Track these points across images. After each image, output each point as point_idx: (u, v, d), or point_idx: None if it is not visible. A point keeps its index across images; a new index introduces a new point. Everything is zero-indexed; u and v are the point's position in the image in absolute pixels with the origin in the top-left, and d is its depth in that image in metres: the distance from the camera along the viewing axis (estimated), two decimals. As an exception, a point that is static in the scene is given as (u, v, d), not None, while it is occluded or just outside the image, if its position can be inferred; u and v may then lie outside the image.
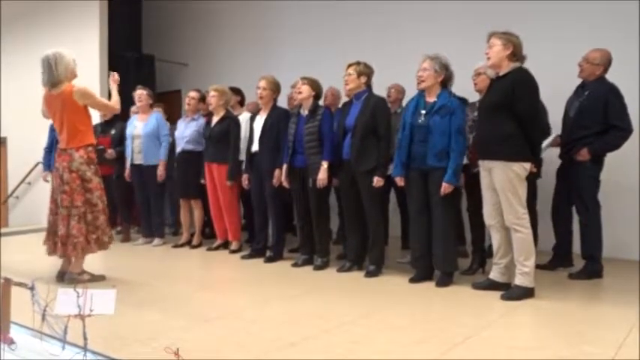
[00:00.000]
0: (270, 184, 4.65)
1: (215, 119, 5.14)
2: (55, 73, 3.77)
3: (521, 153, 3.33)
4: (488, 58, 3.44)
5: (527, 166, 3.36)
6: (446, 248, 3.76)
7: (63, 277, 3.90)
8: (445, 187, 3.67)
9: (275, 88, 4.77)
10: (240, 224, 5.31)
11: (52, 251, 3.90)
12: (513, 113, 3.31)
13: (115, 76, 4.17)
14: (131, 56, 7.76)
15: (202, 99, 5.61)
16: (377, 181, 3.99)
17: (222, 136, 5.03)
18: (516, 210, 3.34)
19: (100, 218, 3.85)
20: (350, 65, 4.15)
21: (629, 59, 4.63)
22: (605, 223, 4.00)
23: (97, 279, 3.88)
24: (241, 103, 5.69)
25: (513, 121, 3.31)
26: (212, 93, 5.12)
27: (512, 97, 3.30)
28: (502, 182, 3.35)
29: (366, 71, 4.12)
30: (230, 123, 5.06)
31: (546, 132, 4.06)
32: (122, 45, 7.67)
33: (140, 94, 5.62)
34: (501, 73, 3.41)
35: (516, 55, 3.38)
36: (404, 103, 4.96)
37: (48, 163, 5.97)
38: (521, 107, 3.29)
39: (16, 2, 7.89)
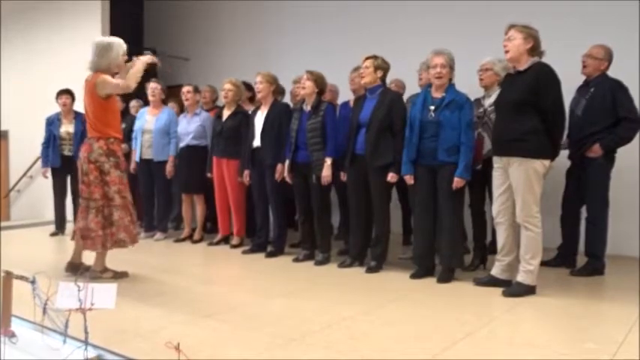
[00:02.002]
0: (271, 179, 4.64)
1: (226, 114, 5.11)
2: (97, 60, 3.74)
3: (542, 150, 3.30)
4: (507, 51, 3.37)
5: (547, 163, 3.34)
6: (453, 244, 3.76)
7: (73, 268, 3.85)
8: (457, 182, 3.66)
9: (271, 80, 4.75)
10: (245, 219, 5.30)
11: (73, 237, 3.87)
12: (537, 109, 3.27)
13: (152, 57, 3.94)
14: (133, 51, 7.73)
15: (196, 90, 5.58)
16: (391, 177, 3.98)
17: (234, 132, 5.00)
18: (530, 208, 3.32)
19: (115, 214, 3.72)
20: (367, 58, 4.09)
21: (629, 59, 4.61)
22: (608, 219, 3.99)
23: (120, 276, 3.81)
24: (252, 99, 5.67)
25: (536, 117, 3.28)
26: (229, 87, 5.06)
27: (536, 93, 3.25)
28: (520, 179, 3.32)
29: (383, 66, 4.08)
30: (242, 118, 5.02)
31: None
32: (124, 39, 7.64)
33: (154, 87, 5.57)
34: (521, 68, 3.36)
35: (536, 49, 3.34)
36: (404, 98, 4.96)
37: (46, 158, 5.94)
38: (547, 103, 3.26)
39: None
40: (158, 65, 4.07)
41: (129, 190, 3.86)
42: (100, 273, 3.78)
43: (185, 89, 5.53)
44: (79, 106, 4.92)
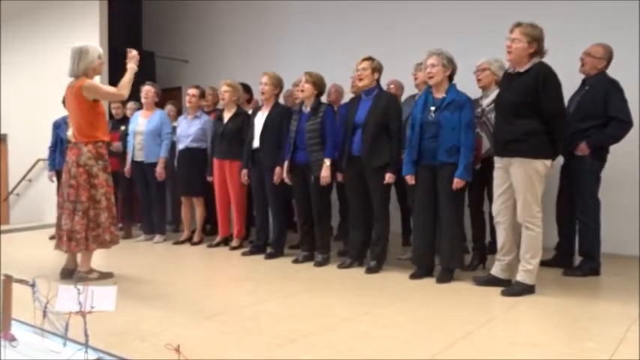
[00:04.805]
0: (270, 180, 4.64)
1: (227, 115, 5.10)
2: (75, 67, 3.77)
3: (543, 150, 3.31)
4: (509, 52, 3.36)
5: (549, 163, 3.34)
6: (453, 245, 3.76)
7: (67, 274, 3.87)
8: (457, 183, 3.66)
9: (277, 83, 4.76)
10: (245, 221, 5.30)
11: (57, 245, 3.86)
12: (537, 110, 3.27)
13: (133, 52, 3.98)
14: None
15: (202, 95, 5.59)
16: (389, 178, 4.00)
17: (235, 133, 4.99)
18: (531, 208, 3.32)
19: (102, 216, 3.79)
20: (364, 60, 4.12)
21: (630, 59, 4.62)
22: (605, 219, 3.99)
23: (105, 277, 3.86)
24: (249, 100, 5.67)
25: (536, 117, 3.28)
26: (225, 88, 5.07)
27: (536, 94, 3.25)
28: (521, 179, 3.32)
29: (379, 68, 4.14)
30: (244, 119, 5.01)
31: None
32: (122, 41, 7.64)
33: (147, 90, 5.58)
34: (522, 70, 3.36)
35: (538, 51, 3.33)
36: (402, 98, 4.98)
37: (53, 162, 5.93)
38: (548, 104, 3.25)
39: (17, 1, 7.88)
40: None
41: (113, 192, 3.91)
42: (86, 274, 3.80)
43: (190, 92, 5.52)
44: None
